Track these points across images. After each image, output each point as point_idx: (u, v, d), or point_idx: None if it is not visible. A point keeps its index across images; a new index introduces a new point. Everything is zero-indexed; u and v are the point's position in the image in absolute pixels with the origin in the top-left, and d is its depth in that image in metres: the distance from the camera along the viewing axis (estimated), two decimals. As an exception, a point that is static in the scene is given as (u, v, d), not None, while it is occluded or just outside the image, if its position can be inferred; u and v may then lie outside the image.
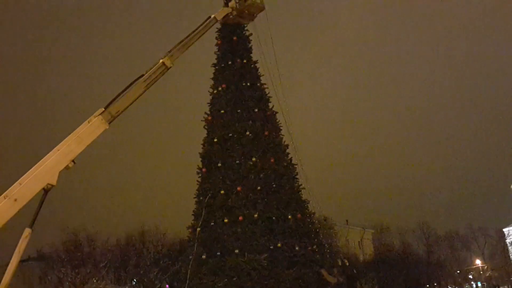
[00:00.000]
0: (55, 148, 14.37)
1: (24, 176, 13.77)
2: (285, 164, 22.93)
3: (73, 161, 14.39)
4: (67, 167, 14.27)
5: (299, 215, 22.02)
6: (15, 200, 13.22)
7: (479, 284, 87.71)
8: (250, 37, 24.43)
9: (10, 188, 13.41)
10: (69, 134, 14.73)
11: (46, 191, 13.73)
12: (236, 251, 20.50)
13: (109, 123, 15.38)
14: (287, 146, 23.43)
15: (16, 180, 13.66)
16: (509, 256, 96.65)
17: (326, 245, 25.36)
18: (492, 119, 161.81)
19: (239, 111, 22.91)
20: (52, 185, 13.81)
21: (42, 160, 14.13)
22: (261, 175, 21.81)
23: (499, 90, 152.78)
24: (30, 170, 13.90)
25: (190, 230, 22.85)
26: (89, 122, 15.03)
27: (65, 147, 14.37)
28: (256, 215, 20.90)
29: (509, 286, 79.81)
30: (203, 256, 21.17)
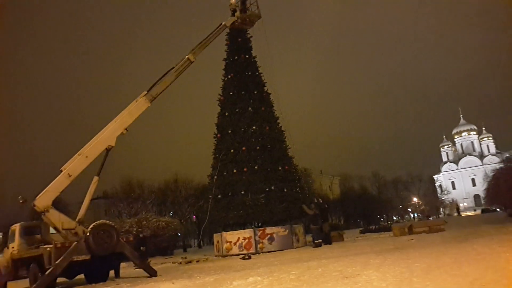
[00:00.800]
0: (113, 119, 14.59)
1: (92, 139, 14.03)
2: (276, 130, 23.00)
3: (126, 129, 14.59)
4: (122, 134, 14.49)
5: (286, 167, 22.22)
6: (87, 156, 13.54)
7: (416, 215, 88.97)
8: (251, 39, 24.24)
9: (82, 148, 13.71)
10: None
11: (108, 150, 14.01)
12: (242, 192, 20.80)
13: (151, 102, 15.48)
14: (277, 118, 23.46)
15: (87, 142, 13.94)
16: (437, 195, 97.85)
17: (306, 188, 25.67)
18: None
19: (243, 93, 22.85)
20: (112, 146, 14.10)
21: (104, 128, 14.41)
22: (260, 139, 21.91)
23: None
24: (97, 135, 14.17)
25: (209, 177, 23.11)
26: (136, 101, 15.17)
27: (120, 119, 14.61)
28: (256, 167, 21.12)
29: (437, 216, 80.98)
30: (219, 196, 21.52)
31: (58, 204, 13.87)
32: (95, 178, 13.66)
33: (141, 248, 17.10)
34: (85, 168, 13.52)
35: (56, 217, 12.67)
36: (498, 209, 50.62)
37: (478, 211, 74.55)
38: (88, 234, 12.25)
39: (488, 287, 4.80)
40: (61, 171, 13.14)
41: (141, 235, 20.12)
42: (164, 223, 30.49)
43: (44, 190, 12.74)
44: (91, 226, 12.59)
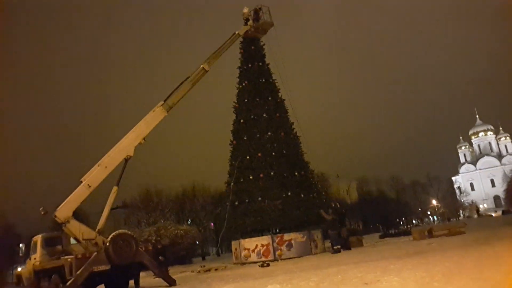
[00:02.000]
0: (131, 130, 14.79)
1: (111, 150, 14.22)
2: (291, 136, 22.94)
3: (144, 139, 14.74)
4: (140, 143, 14.64)
5: (303, 172, 22.09)
6: (106, 167, 13.72)
7: (435, 218, 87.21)
8: (264, 47, 24.35)
9: (102, 159, 13.91)
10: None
11: (126, 160, 14.20)
12: (259, 198, 20.74)
13: (167, 112, 15.64)
14: (292, 123, 23.41)
15: (106, 153, 14.14)
16: (456, 197, 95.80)
17: (322, 193, 25.43)
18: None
19: (257, 99, 22.91)
20: (130, 156, 14.28)
21: (123, 139, 14.61)
22: (275, 145, 21.88)
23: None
24: (115, 145, 14.38)
25: (226, 184, 23.12)
26: (153, 111, 15.35)
27: (138, 129, 14.81)
28: (272, 173, 21.06)
29: (457, 218, 79.18)
30: (236, 203, 21.50)
31: (78, 214, 14.06)
32: (114, 188, 13.81)
33: (160, 257, 17.16)
34: (104, 178, 13.69)
35: (76, 228, 12.82)
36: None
37: (499, 213, 72.57)
38: (107, 244, 12.36)
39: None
40: (81, 182, 13.35)
41: (159, 246, 20.20)
42: (183, 231, 30.66)
43: (65, 201, 12.94)
44: (110, 236, 12.71)
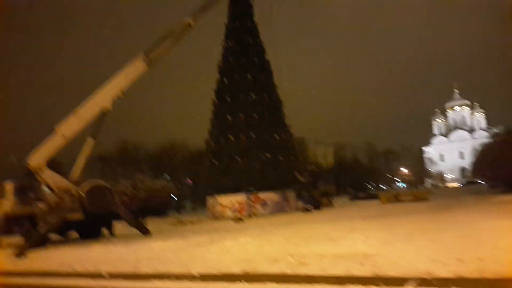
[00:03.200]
0: (107, 81, 14.06)
1: (86, 100, 13.65)
2: (274, 99, 22.90)
3: (123, 92, 14.19)
4: (119, 97, 14.12)
5: (283, 136, 22.33)
6: (80, 118, 13.30)
7: (403, 184, 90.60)
8: (251, 3, 23.68)
9: (76, 108, 13.36)
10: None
11: (103, 113, 13.69)
12: (238, 158, 20.97)
13: (149, 66, 14.99)
14: (276, 86, 23.29)
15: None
16: (425, 167, 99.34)
17: (300, 156, 25.90)
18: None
19: (243, 60, 22.54)
20: (108, 109, 13.68)
21: (98, 89, 13.85)
22: (258, 107, 21.85)
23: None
24: (91, 96, 13.73)
25: (206, 143, 23.21)
26: (133, 65, 14.69)
27: (115, 81, 14.08)
28: (252, 135, 21.21)
29: (423, 186, 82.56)
30: (215, 161, 21.68)
31: (52, 163, 13.81)
32: (90, 140, 13.46)
33: (137, 208, 17.38)
34: (80, 130, 13.30)
35: (50, 177, 12.67)
36: (481, 182, 51.65)
37: (463, 183, 76.03)
38: (82, 194, 12.35)
39: (466, 253, 5.01)
40: (54, 130, 12.98)
41: (137, 208, 20.27)
42: (159, 186, 30.83)
43: (36, 149, 12.64)
44: (85, 185, 12.66)
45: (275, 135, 21.79)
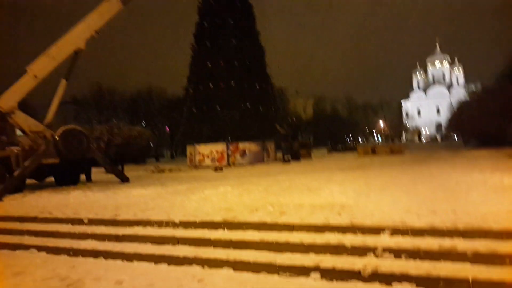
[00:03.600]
0: (81, 20, 13.50)
1: (59, 39, 13.14)
2: (256, 47, 22.41)
3: (97, 32, 13.68)
4: (93, 36, 13.60)
5: (264, 86, 22.14)
6: (53, 57, 12.80)
7: (380, 138, 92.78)
8: None
9: (49, 48, 12.88)
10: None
11: (76, 53, 13.25)
12: (218, 107, 20.79)
13: (124, 4, 14.31)
14: (259, 33, 22.69)
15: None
16: (402, 121, 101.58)
17: (280, 108, 25.94)
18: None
19: (224, 2, 21.63)
20: (81, 49, 13.28)
21: (72, 28, 13.31)
22: (239, 54, 21.38)
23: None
24: (64, 35, 13.21)
25: (185, 90, 22.81)
26: (107, 2, 13.98)
27: (89, 19, 13.54)
28: (233, 83, 20.90)
29: (399, 140, 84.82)
30: (194, 109, 21.45)
31: (25, 106, 13.42)
32: (63, 81, 13.12)
33: (115, 154, 17.27)
34: (52, 70, 12.87)
35: (22, 119, 12.35)
36: (456, 137, 53.57)
37: (438, 138, 78.50)
38: (57, 138, 12.15)
39: (437, 204, 5.27)
40: (26, 70, 12.51)
41: (115, 154, 20.05)
42: (136, 132, 30.47)
43: (8, 90, 12.18)
44: (60, 130, 12.43)
45: (256, 85, 21.56)
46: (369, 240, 4.28)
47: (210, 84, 21.08)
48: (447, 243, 3.93)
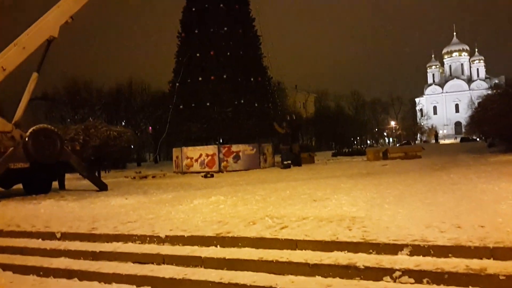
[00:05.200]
0: (55, 5, 13.58)
1: (30, 28, 13.14)
2: (251, 35, 22.38)
3: (71, 17, 13.68)
4: (66, 23, 13.63)
5: (259, 78, 22.08)
6: (23, 48, 12.79)
7: (391, 139, 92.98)
8: None
9: (19, 37, 12.86)
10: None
11: (49, 41, 13.28)
12: (208, 104, 20.71)
13: None
14: (253, 19, 22.64)
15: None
16: (416, 120, 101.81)
17: (278, 103, 25.88)
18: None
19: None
20: (54, 37, 13.33)
21: (45, 15, 13.42)
22: (231, 43, 21.34)
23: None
24: (36, 22, 13.24)
25: (170, 84, 22.71)
26: None
27: (64, 4, 13.60)
28: (225, 76, 20.84)
29: (414, 142, 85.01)
30: (181, 106, 21.35)
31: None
32: (34, 75, 13.13)
33: (92, 157, 17.18)
34: (22, 62, 12.83)
35: None
36: (477, 139, 53.82)
37: (458, 140, 78.80)
38: (27, 139, 12.03)
39: (462, 217, 5.21)
40: None
41: (92, 158, 19.96)
42: (116, 133, 30.29)
43: None
44: (30, 130, 12.32)
45: (251, 78, 21.51)
46: (385, 260, 4.21)
47: (199, 77, 21.01)
48: (475, 264, 3.86)
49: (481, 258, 3.93)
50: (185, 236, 5.54)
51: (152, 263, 5.20)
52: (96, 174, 17.02)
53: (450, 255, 4.05)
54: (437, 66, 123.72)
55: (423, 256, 4.14)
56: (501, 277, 3.59)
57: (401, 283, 3.88)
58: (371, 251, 4.42)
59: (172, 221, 6.51)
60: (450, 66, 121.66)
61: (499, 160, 16.11)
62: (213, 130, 20.86)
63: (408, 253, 4.22)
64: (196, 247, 5.30)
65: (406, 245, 4.29)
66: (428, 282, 3.81)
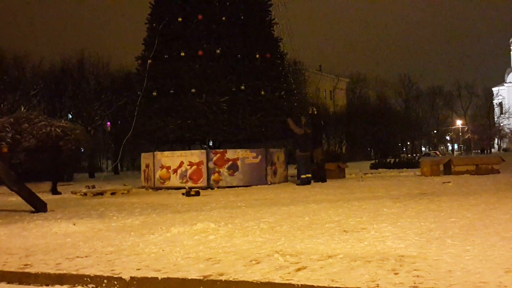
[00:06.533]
0: None
1: None
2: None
3: None
4: None
5: (268, 55, 22.10)
6: None
7: (456, 146, 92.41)
8: None
9: None
10: None
11: None
12: (193, 90, 20.75)
13: None
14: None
15: None
16: (493, 118, 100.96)
17: (295, 92, 25.91)
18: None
19: None
20: None
21: None
22: (227, 3, 21.40)
23: None
24: None
25: (139, 61, 22.78)
26: None
27: None
28: (218, 51, 20.91)
29: (489, 150, 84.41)
30: (154, 93, 21.39)
31: None
32: None
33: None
34: None
35: None
36: None
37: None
38: None
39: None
40: None
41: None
42: (60, 130, 30.44)
43: None
44: None
45: (256, 54, 21.55)
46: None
47: (181, 52, 21.05)
48: None
49: None
50: (159, 278, 5.58)
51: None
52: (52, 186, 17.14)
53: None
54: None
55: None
56: None
57: None
58: (426, 304, 4.46)
59: (141, 257, 6.56)
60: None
61: None
62: (200, 128, 20.83)
63: (479, 308, 4.26)
64: (174, 295, 5.35)
65: (476, 297, 4.33)
66: None
